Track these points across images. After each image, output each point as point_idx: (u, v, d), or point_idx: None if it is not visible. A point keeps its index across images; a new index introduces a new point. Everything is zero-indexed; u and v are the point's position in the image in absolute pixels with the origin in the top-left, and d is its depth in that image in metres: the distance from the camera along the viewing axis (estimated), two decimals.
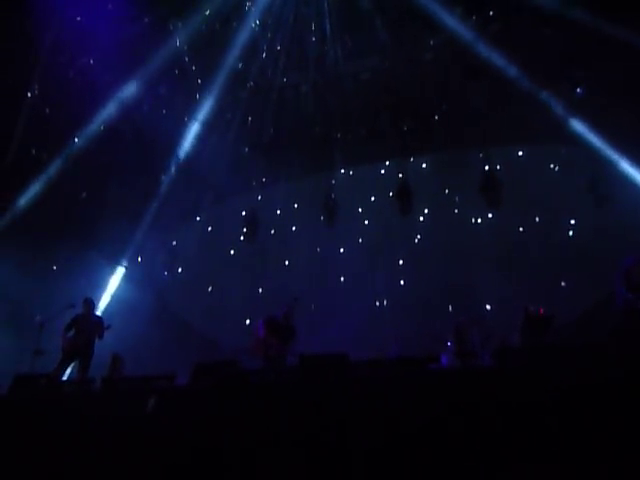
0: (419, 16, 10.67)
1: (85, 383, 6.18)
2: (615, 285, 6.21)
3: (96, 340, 8.45)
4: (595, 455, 3.21)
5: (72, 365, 8.43)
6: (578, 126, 10.65)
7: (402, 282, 12.44)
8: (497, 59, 10.42)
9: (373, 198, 13.42)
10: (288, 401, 4.02)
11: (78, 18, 10.68)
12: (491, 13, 10.91)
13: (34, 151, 11.36)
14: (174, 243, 13.66)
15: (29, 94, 10.83)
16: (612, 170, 10.50)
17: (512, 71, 10.40)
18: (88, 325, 8.43)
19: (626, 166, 10.35)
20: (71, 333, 8.33)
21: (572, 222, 11.49)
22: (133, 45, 10.94)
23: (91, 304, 8.84)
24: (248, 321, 12.30)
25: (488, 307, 11.32)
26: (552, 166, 11.96)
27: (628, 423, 3.23)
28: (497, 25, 10.85)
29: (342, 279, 12.69)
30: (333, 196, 13.14)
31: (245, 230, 13.38)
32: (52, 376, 6.81)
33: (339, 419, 3.71)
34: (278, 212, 13.68)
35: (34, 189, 11.09)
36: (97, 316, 9.05)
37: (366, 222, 13.27)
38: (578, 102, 10.70)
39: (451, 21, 10.55)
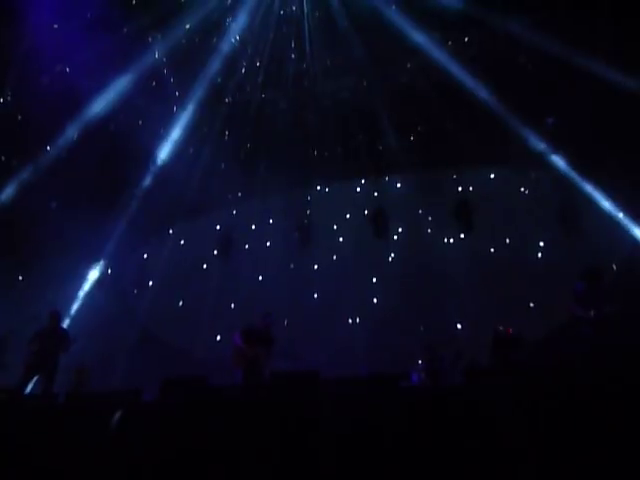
0: (397, 39, 10.90)
1: (48, 397, 5.99)
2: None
3: (61, 354, 8.21)
4: (563, 472, 3.26)
5: (35, 379, 8.16)
6: (548, 152, 10.98)
7: (375, 300, 12.49)
8: (472, 83, 10.70)
9: (348, 216, 13.50)
10: (258, 418, 3.97)
11: (55, 25, 10.56)
12: (466, 39, 11.24)
13: (4, 158, 11.12)
14: (145, 256, 13.45)
15: (1, 99, 10.63)
16: (581, 196, 10.82)
17: (486, 95, 10.68)
18: (53, 338, 8.19)
19: (594, 193, 10.69)
20: (35, 346, 8.07)
21: (541, 244, 11.77)
22: (110, 55, 10.86)
23: (57, 317, 8.60)
24: (219, 337, 12.16)
25: (459, 326, 11.44)
26: (522, 189, 12.26)
27: (595, 439, 3.29)
28: (473, 50, 11.17)
29: (315, 296, 12.67)
30: (308, 213, 13.18)
31: (219, 245, 13.27)
32: (14, 390, 6.58)
33: (310, 436, 3.68)
34: (253, 227, 13.63)
35: (2, 197, 10.82)
36: (63, 329, 8.80)
37: (340, 239, 13.32)
38: (549, 129, 11.04)
39: (428, 45, 10.82)
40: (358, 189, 13.71)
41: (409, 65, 11.85)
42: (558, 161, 10.92)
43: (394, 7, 10.81)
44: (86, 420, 4.68)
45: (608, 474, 3.16)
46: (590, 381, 3.68)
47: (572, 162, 10.84)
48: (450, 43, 11.19)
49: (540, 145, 10.86)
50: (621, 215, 10.58)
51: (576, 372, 3.91)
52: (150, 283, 13.13)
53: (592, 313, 6.72)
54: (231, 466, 3.72)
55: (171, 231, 13.62)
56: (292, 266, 13.06)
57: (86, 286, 12.31)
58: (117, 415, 4.34)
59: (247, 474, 3.62)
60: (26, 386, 7.99)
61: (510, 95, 10.67)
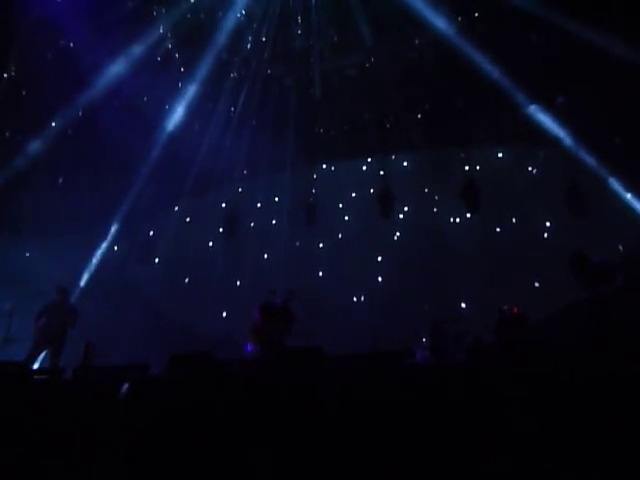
0: (405, 15, 10.69)
1: (56, 372, 6.07)
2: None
3: (69, 329, 8.32)
4: (561, 451, 3.29)
5: (43, 354, 8.29)
6: (557, 131, 10.82)
7: (380, 279, 12.52)
8: (481, 60, 10.51)
9: (354, 194, 13.47)
10: (262, 393, 4.02)
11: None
12: (476, 14, 11.01)
13: (8, 134, 11.09)
14: (151, 233, 13.49)
15: (5, 75, 10.55)
16: (589, 177, 10.69)
17: (495, 73, 10.50)
18: (60, 313, 8.28)
19: (603, 172, 10.55)
20: (43, 321, 8.17)
21: (547, 224, 11.70)
22: (115, 29, 10.74)
23: (65, 292, 8.68)
24: (225, 313, 12.25)
25: (463, 305, 11.47)
26: (530, 169, 12.16)
27: (596, 420, 3.32)
28: (482, 27, 10.94)
29: (320, 274, 12.71)
30: (314, 191, 13.14)
31: (224, 222, 13.29)
32: (22, 364, 6.67)
33: (314, 410, 3.72)
34: (258, 205, 13.63)
35: (7, 173, 10.82)
36: (70, 304, 8.89)
37: (346, 218, 13.32)
38: (558, 108, 10.87)
39: (437, 21, 10.60)
40: (364, 167, 13.64)
41: (417, 41, 11.64)
42: (567, 140, 10.77)
43: None
44: (93, 394, 4.75)
45: (607, 451, 3.19)
46: (588, 362, 3.70)
47: (581, 142, 10.69)
48: (459, 19, 10.96)
49: (546, 119, 10.65)
50: (629, 196, 10.47)
51: (575, 352, 3.93)
52: (156, 260, 13.21)
53: (588, 295, 6.77)
54: (236, 440, 3.79)
55: (177, 208, 13.63)
56: (297, 244, 13.08)
57: (94, 261, 12.37)
58: (125, 385, 4.40)
59: (250, 448, 3.69)
60: (34, 360, 8.12)
61: (520, 73, 10.48)
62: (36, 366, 8.23)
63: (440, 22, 10.68)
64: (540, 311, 10.19)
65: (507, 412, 3.56)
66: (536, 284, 11.28)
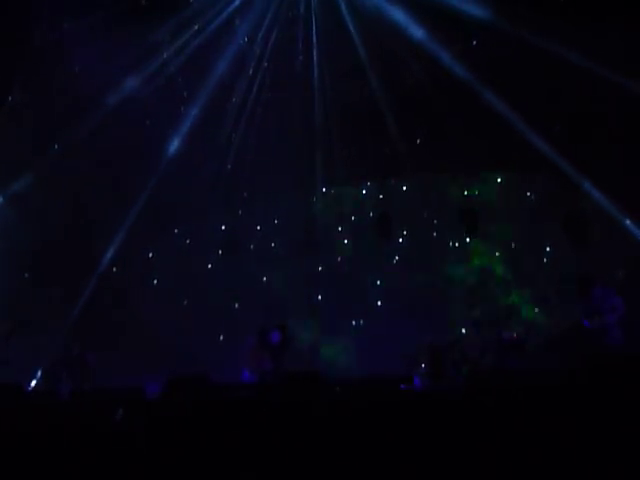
0: (404, 42, 10.91)
1: (52, 394, 6.03)
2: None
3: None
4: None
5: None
6: (555, 157, 10.90)
7: (379, 303, 12.48)
8: (479, 87, 10.68)
9: (353, 218, 13.51)
10: (259, 417, 3.98)
11: (65, 25, 10.63)
12: (474, 43, 11.22)
13: (12, 156, 11.18)
14: (150, 255, 13.49)
15: (10, 98, 10.70)
16: (588, 202, 10.74)
17: (493, 99, 10.65)
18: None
19: (601, 199, 10.58)
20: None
21: (547, 250, 11.72)
22: (119, 54, 10.92)
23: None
24: (222, 336, 12.19)
25: (463, 330, 11.41)
26: (528, 194, 12.23)
27: (597, 447, 3.28)
28: (480, 53, 11.14)
29: (319, 297, 12.67)
30: (313, 214, 13.19)
31: (224, 245, 13.30)
32: (18, 386, 6.61)
33: (310, 436, 3.68)
34: (258, 228, 13.66)
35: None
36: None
37: (345, 242, 13.33)
38: (556, 135, 10.97)
39: (436, 48, 10.81)
40: (364, 191, 13.71)
41: (416, 68, 11.83)
42: (565, 166, 10.83)
43: (402, 10, 10.80)
44: (89, 416, 4.70)
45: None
46: (586, 388, 3.69)
47: (579, 168, 10.77)
48: (458, 47, 11.16)
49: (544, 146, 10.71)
50: (628, 222, 10.50)
51: (573, 378, 3.91)
52: (155, 282, 13.19)
53: (589, 321, 6.79)
54: (233, 465, 3.74)
55: (176, 230, 13.65)
56: (296, 267, 13.07)
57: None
58: (119, 412, 4.36)
59: (248, 473, 3.64)
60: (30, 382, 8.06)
61: (518, 99, 10.63)
62: (31, 387, 8.16)
63: (439, 49, 10.88)
64: (540, 336, 10.17)
65: (504, 438, 3.52)
66: (536, 309, 11.25)
